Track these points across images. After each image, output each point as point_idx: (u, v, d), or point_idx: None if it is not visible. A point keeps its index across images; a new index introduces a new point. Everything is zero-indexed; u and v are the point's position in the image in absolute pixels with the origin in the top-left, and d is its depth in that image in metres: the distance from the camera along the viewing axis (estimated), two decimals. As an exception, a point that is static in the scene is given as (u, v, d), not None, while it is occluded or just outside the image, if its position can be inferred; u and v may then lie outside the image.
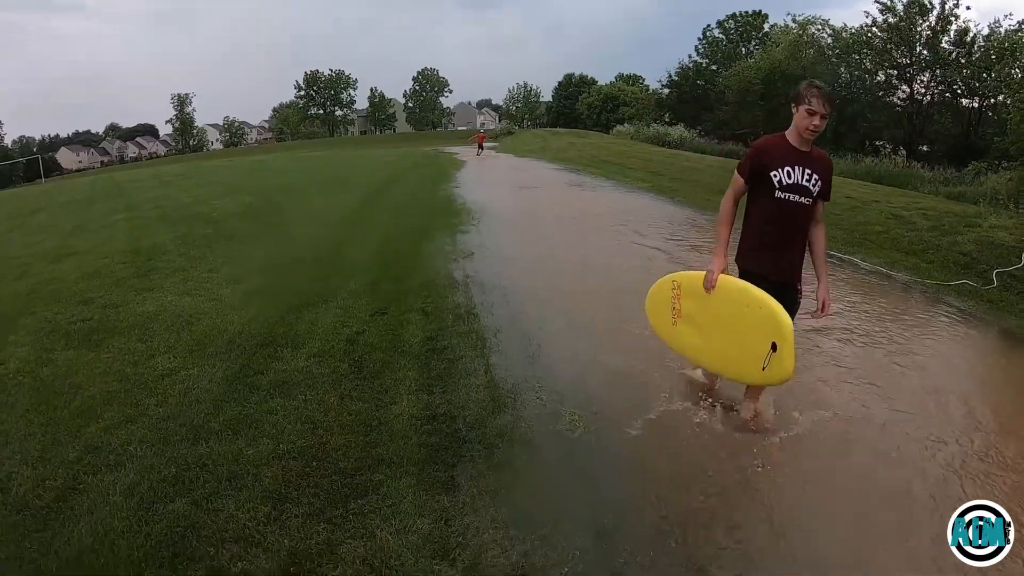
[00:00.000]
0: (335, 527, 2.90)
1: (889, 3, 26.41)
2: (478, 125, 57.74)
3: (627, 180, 15.86)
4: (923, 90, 26.12)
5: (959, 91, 24.84)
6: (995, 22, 23.73)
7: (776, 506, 3.11)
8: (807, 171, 3.49)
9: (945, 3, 25.26)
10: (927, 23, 25.78)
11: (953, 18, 25.25)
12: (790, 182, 3.48)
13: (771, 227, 3.57)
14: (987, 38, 24.06)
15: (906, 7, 25.94)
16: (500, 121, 78.01)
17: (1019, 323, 6.03)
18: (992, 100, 20.84)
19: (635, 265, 7.56)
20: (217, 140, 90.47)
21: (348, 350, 4.86)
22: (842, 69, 27.45)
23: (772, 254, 3.59)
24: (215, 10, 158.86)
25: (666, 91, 42.41)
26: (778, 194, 3.48)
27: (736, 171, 3.64)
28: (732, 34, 45.09)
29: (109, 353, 4.96)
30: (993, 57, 22.16)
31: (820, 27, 30.68)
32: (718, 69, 39.41)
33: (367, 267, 7.59)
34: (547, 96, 71.27)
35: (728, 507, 3.12)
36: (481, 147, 31.78)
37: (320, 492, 3.12)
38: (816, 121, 3.39)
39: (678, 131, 29.69)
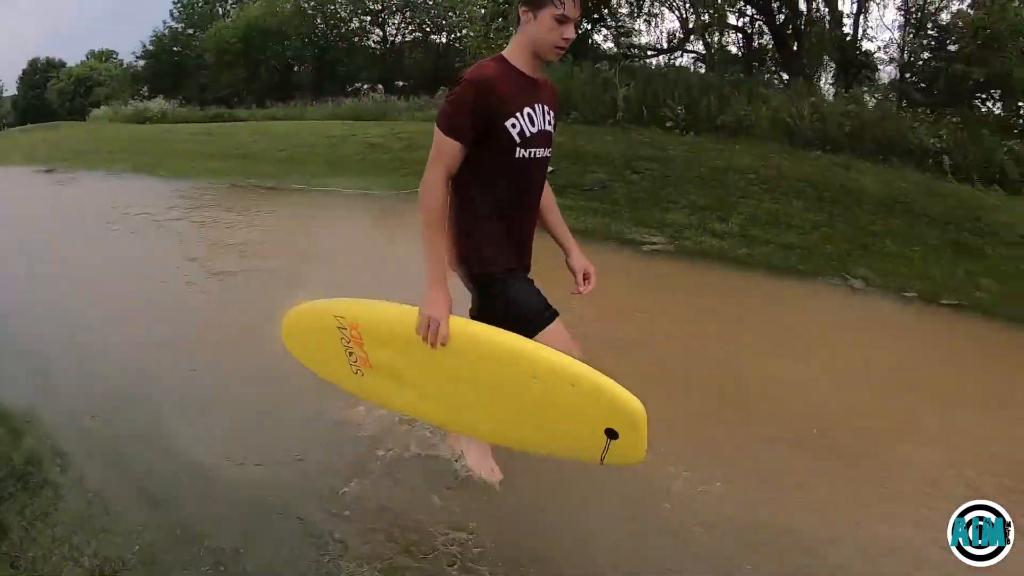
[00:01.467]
0: None
1: None
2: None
3: (113, 166, 14.07)
4: (395, 32, 28.11)
5: (429, 29, 27.38)
6: None
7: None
8: (546, 108, 2.45)
9: None
10: (395, -30, 27.77)
11: None
12: (533, 131, 2.39)
13: (511, 204, 2.46)
14: None
15: None
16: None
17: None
18: (457, 34, 23.17)
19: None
20: None
21: None
22: (319, 20, 28.06)
23: (516, 240, 2.53)
24: None
25: (141, 63, 38.90)
26: (520, 152, 2.37)
27: (444, 132, 2.29)
28: (208, -6, 43.13)
29: None
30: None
31: (296, -20, 30.81)
32: (195, 32, 37.20)
33: None
34: (11, 90, 61.10)
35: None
36: None
37: None
38: (570, 32, 2.32)
39: (158, 104, 27.53)
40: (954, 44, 12.69)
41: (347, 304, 2.56)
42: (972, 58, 11.56)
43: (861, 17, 13.57)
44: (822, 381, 4.14)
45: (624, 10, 14.14)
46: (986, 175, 10.06)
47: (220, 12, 39.90)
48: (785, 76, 13.04)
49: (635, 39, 14.50)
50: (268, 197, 9.00)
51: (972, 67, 11.47)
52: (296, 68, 28.79)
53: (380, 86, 23.62)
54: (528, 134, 2.35)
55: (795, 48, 13.20)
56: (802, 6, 13.13)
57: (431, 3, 26.94)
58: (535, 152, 2.40)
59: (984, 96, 13.23)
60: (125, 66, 45.14)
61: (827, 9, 13.17)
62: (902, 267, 6.83)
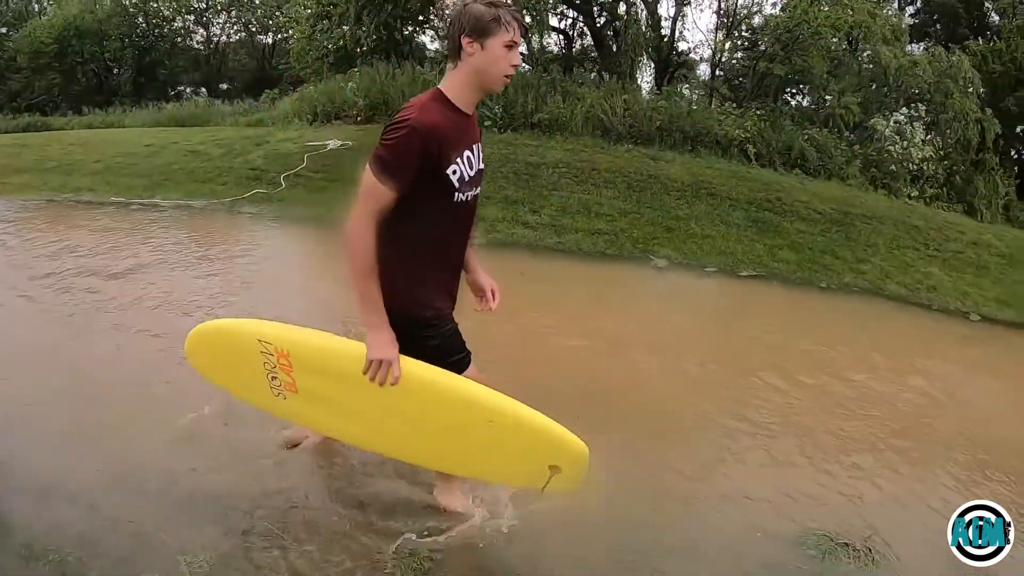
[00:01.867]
0: None
1: None
2: None
3: None
4: (219, 32, 27.16)
5: (255, 29, 26.63)
6: None
7: None
8: (478, 146, 2.42)
9: None
10: (222, -33, 26.89)
11: None
12: (471, 174, 2.35)
13: (447, 242, 2.43)
14: None
15: None
16: None
17: (304, 211, 7.93)
18: (284, 34, 22.70)
19: None
20: None
21: None
22: (140, 19, 26.60)
23: (449, 276, 2.52)
24: None
25: (-55, 67, 35.67)
26: (458, 196, 2.32)
27: (380, 177, 2.18)
28: (24, -10, 40.01)
29: None
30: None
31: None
32: (8, 32, 34.40)
33: None
34: None
35: None
36: None
37: None
38: (517, 58, 2.29)
39: (-38, 113, 25.32)
40: (764, 45, 13.82)
41: (274, 329, 2.53)
42: (776, 57, 12.63)
43: (678, 20, 14.56)
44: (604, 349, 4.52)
45: (450, 11, 14.38)
46: (788, 161, 11.07)
47: (36, 9, 37.06)
48: (605, 75, 13.63)
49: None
50: (83, 211, 8.49)
51: (775, 65, 12.51)
52: (115, 71, 27.05)
53: (203, 89, 22.83)
54: (467, 178, 2.32)
55: (613, 49, 13.89)
56: (621, 10, 13.87)
57: (258, 2, 26.20)
58: (471, 194, 2.38)
59: (792, 91, 14.52)
60: (-76, 70, 41.27)
61: (646, 13, 13.99)
62: (705, 246, 7.59)
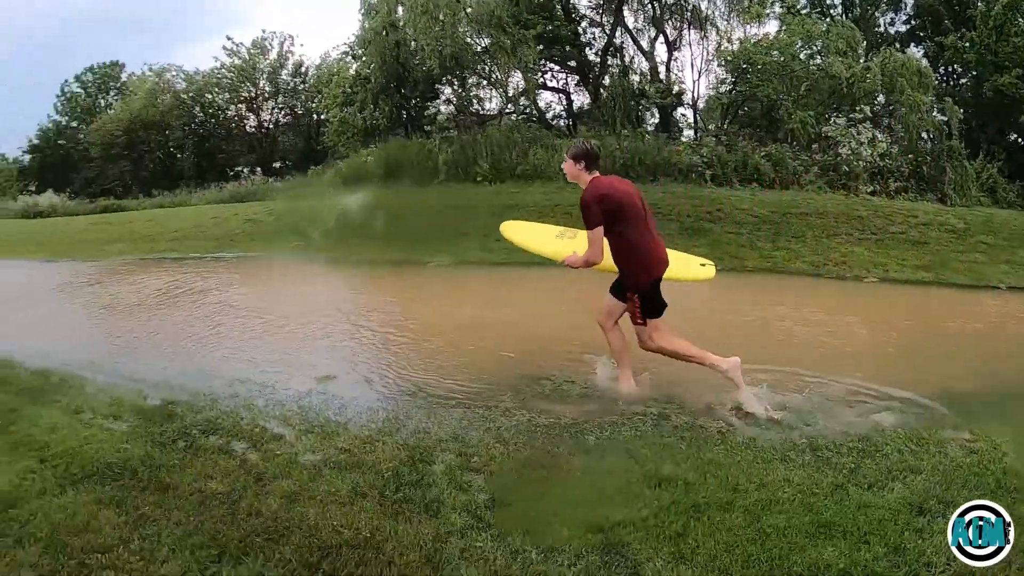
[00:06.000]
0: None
1: (235, 47, 31.27)
2: None
3: (27, 255, 17.22)
4: (269, 116, 31.83)
5: (299, 111, 31.00)
6: (325, 53, 30.71)
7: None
8: None
9: (283, 43, 31.33)
10: (268, 61, 31.30)
11: (290, 54, 31.39)
12: None
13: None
14: (318, 67, 30.61)
15: (249, 50, 31.24)
16: None
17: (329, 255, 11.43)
18: (324, 116, 26.76)
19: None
20: None
21: None
22: (197, 109, 31.46)
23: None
24: None
25: (27, 157, 41.24)
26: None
27: None
28: (91, 87, 45.55)
29: None
30: (323, 81, 28.37)
31: (175, 73, 33.88)
32: (79, 125, 39.81)
33: None
34: None
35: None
36: None
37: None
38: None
39: (47, 198, 30.37)
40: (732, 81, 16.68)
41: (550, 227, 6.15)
42: (735, 90, 15.57)
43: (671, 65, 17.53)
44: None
45: (472, 80, 17.81)
46: (744, 177, 13.88)
47: (103, 104, 42.69)
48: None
49: (476, 106, 18.20)
50: (169, 264, 12.37)
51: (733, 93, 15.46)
52: (179, 156, 32.05)
53: (259, 168, 27.12)
54: None
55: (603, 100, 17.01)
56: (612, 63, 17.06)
57: (301, 88, 31.01)
58: None
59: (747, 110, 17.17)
60: (11, 161, 47.30)
61: (647, 64, 17.04)
62: None
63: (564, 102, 18.37)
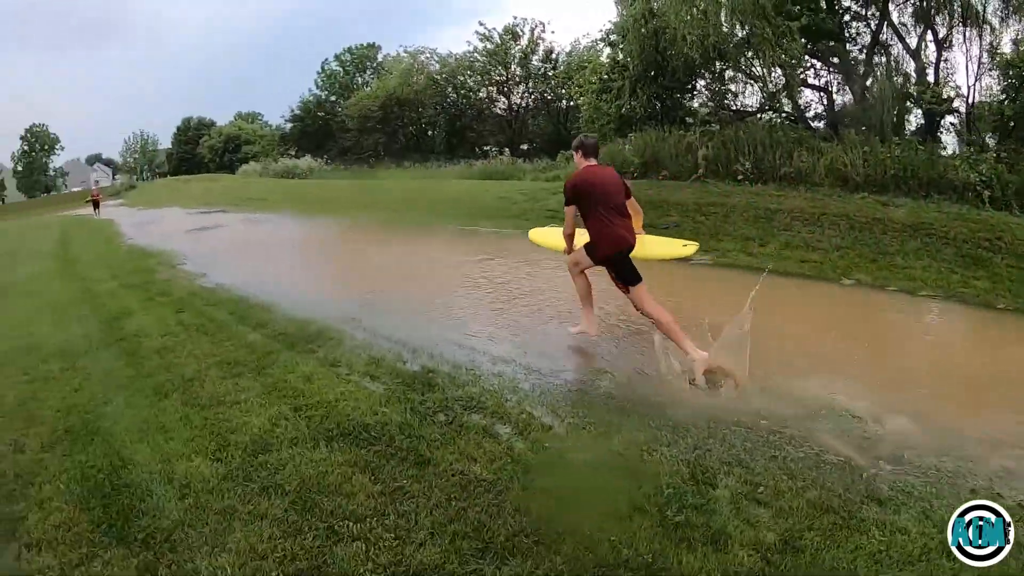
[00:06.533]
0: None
1: (487, 32, 32.92)
2: (92, 183, 55.14)
3: (293, 210, 19.22)
4: (519, 100, 33.13)
5: (549, 97, 31.90)
6: (575, 41, 32.04)
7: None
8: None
9: (534, 30, 32.47)
10: (519, 46, 32.59)
11: (540, 41, 32.51)
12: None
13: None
14: (569, 54, 31.54)
15: (501, 35, 32.75)
16: (115, 177, 75.46)
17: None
18: (575, 102, 27.24)
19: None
20: None
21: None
22: (450, 90, 33.25)
23: None
24: None
25: (289, 125, 45.56)
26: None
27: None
28: (349, 66, 49.21)
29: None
30: (574, 68, 28.98)
31: (429, 55, 35.94)
32: (337, 100, 43.43)
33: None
34: (165, 143, 70.42)
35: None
36: (97, 206, 30.67)
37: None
38: None
39: (306, 162, 33.50)
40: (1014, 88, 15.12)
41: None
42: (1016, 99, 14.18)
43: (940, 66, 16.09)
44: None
45: (729, 73, 17.44)
46: (1026, 202, 12.63)
47: (360, 82, 46.33)
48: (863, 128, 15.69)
49: (729, 101, 17.79)
50: (418, 231, 13.23)
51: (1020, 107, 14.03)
52: (430, 133, 34.13)
53: (507, 149, 28.09)
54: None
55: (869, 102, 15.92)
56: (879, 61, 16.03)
57: (550, 74, 31.89)
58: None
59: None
60: (274, 127, 52.38)
61: (915, 64, 15.81)
62: (896, 273, 9.62)
63: (825, 101, 17.44)
